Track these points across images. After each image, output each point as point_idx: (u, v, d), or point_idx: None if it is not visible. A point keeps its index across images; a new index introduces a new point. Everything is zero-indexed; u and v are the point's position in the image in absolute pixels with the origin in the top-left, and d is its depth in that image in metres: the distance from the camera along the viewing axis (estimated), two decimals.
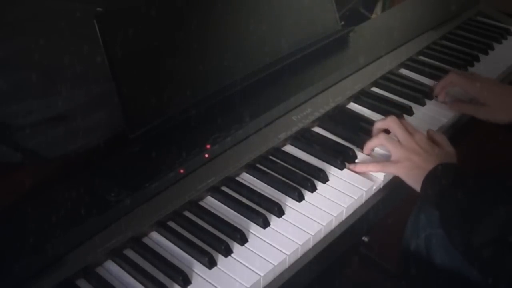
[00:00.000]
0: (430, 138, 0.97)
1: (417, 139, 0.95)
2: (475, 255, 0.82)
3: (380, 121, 1.00)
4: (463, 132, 1.13)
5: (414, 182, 0.91)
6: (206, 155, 0.92)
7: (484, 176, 0.88)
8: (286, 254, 0.80)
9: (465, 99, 1.13)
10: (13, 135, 0.90)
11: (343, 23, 1.24)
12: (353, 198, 0.90)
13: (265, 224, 0.85)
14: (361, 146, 1.00)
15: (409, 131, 0.96)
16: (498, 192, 0.84)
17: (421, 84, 1.20)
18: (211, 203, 0.89)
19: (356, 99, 1.14)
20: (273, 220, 0.86)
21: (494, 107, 1.07)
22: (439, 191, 0.87)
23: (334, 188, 0.92)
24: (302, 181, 0.92)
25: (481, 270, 0.85)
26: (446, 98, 1.13)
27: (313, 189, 0.91)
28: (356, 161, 0.97)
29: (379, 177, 0.94)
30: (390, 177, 0.96)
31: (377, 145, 0.98)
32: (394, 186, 0.96)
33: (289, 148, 1.01)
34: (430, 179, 0.89)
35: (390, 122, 0.98)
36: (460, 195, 0.84)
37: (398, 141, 0.96)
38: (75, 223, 0.78)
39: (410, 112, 1.10)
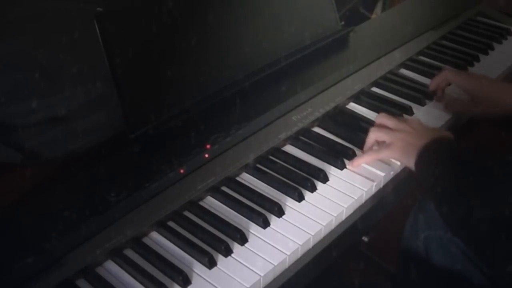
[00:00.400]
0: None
1: (409, 121, 0.96)
2: (472, 231, 0.81)
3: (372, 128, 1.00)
4: (463, 132, 1.13)
5: (408, 159, 0.91)
6: (206, 155, 0.92)
7: (479, 152, 0.88)
8: (286, 254, 0.80)
9: (461, 98, 1.13)
10: (13, 135, 0.90)
11: (343, 23, 1.24)
12: (353, 198, 0.90)
13: (265, 224, 0.85)
14: (361, 146, 1.00)
15: (400, 119, 0.98)
16: (495, 167, 0.84)
17: (421, 84, 1.20)
18: (211, 203, 0.89)
19: (356, 99, 1.14)
20: (273, 220, 0.86)
21: (489, 102, 1.07)
22: (434, 165, 0.87)
23: (334, 188, 0.92)
24: (302, 181, 0.92)
25: (476, 247, 0.84)
26: (442, 98, 1.13)
27: (313, 189, 0.91)
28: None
29: (379, 177, 0.94)
30: (390, 177, 0.96)
31: (373, 139, 0.97)
32: (394, 186, 0.96)
33: (289, 148, 1.01)
34: (424, 153, 0.89)
35: (380, 118, 0.99)
36: (455, 169, 0.84)
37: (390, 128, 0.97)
38: (75, 223, 0.78)
39: (410, 112, 1.10)
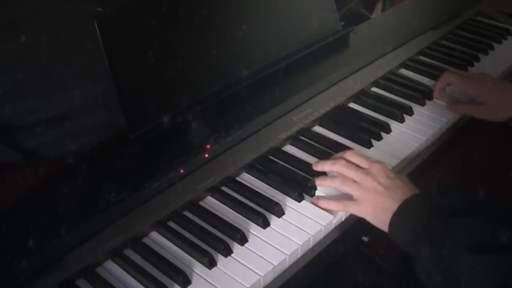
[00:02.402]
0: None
1: (374, 173, 0.88)
2: None
3: (326, 164, 0.93)
4: (463, 132, 1.13)
5: (381, 224, 0.85)
6: (206, 155, 0.92)
7: (459, 210, 0.80)
8: (286, 254, 0.80)
9: (463, 99, 1.13)
10: (13, 135, 0.90)
11: (343, 23, 1.24)
12: None
13: (265, 224, 0.85)
14: (362, 145, 1.00)
15: (364, 166, 0.90)
16: (479, 233, 0.76)
17: (421, 84, 1.20)
18: (211, 203, 0.89)
19: (356, 99, 1.14)
20: (273, 220, 0.86)
21: (492, 104, 1.06)
22: (411, 236, 0.80)
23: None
24: (302, 181, 0.92)
25: None
26: (445, 99, 1.13)
27: (313, 189, 0.91)
28: (318, 193, 0.91)
29: None
30: None
31: (331, 187, 0.91)
32: None
33: (289, 148, 1.01)
34: (398, 222, 0.83)
35: (339, 167, 0.91)
36: (438, 240, 0.77)
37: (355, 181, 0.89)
38: (75, 223, 0.78)
39: (410, 112, 1.10)
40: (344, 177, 0.90)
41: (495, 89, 1.08)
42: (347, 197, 0.89)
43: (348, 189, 0.89)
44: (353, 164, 0.91)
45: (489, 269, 0.72)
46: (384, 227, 0.84)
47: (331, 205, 0.88)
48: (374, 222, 0.86)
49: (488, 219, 0.77)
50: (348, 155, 0.92)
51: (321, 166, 0.93)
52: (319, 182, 0.92)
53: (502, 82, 1.14)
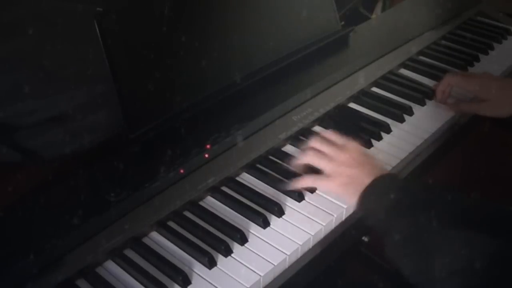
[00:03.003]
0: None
1: (349, 149, 0.88)
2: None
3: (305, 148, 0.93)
4: (463, 132, 1.13)
5: (351, 197, 0.84)
6: (206, 155, 0.92)
7: (431, 190, 0.81)
8: (286, 254, 0.80)
9: (465, 99, 1.13)
10: (13, 135, 0.90)
11: (343, 23, 1.24)
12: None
13: (265, 224, 0.84)
14: (362, 145, 1.00)
15: (339, 144, 0.90)
16: (451, 210, 0.76)
17: (421, 84, 1.20)
18: (211, 203, 0.89)
19: (356, 99, 1.14)
20: (273, 220, 0.86)
21: (496, 100, 1.06)
22: (384, 210, 0.79)
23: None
24: None
25: None
26: (448, 100, 1.13)
27: (313, 189, 0.91)
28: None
29: None
30: None
31: (304, 161, 0.91)
32: None
33: (289, 148, 1.01)
34: (371, 194, 0.82)
35: (314, 141, 0.91)
36: (409, 218, 0.76)
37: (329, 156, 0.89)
38: (75, 223, 0.78)
39: (410, 112, 1.10)
40: (317, 151, 0.89)
41: (498, 85, 1.08)
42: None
43: (321, 162, 0.88)
44: (329, 140, 0.90)
45: (462, 245, 0.71)
46: (353, 202, 0.84)
47: (302, 181, 0.88)
48: (344, 195, 0.85)
49: (463, 198, 0.78)
50: (325, 132, 0.93)
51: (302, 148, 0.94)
52: (293, 161, 0.92)
53: (504, 79, 1.15)
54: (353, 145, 0.89)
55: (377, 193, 0.82)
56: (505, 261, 0.68)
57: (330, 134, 0.92)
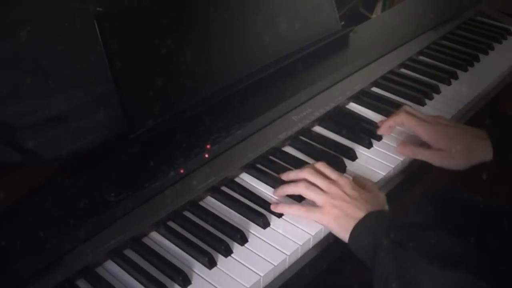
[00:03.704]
0: (357, 183, 0.89)
1: (341, 184, 0.86)
2: None
3: (292, 172, 0.91)
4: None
5: (342, 231, 0.82)
6: (206, 155, 0.92)
7: (423, 228, 0.79)
8: (286, 254, 0.80)
9: (415, 142, 1.00)
10: (13, 135, 0.90)
11: (343, 23, 1.24)
12: None
13: (265, 224, 0.84)
14: (362, 145, 1.00)
15: (331, 177, 0.88)
16: (438, 251, 0.74)
17: (422, 84, 1.20)
18: (211, 203, 0.89)
19: (356, 99, 1.14)
20: (273, 220, 0.86)
21: (450, 151, 0.95)
22: (371, 246, 0.78)
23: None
24: None
25: None
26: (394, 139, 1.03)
27: None
28: (277, 194, 0.89)
29: (375, 181, 0.94)
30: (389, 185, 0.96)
31: (294, 192, 0.88)
32: (393, 186, 0.96)
33: (289, 148, 1.01)
34: (360, 230, 0.81)
35: (306, 173, 0.89)
36: (399, 249, 0.75)
37: (321, 189, 0.87)
38: (75, 223, 0.78)
39: None
40: (309, 183, 0.88)
41: (454, 134, 0.96)
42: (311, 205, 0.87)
43: (313, 194, 0.86)
44: (321, 173, 0.89)
45: (448, 284, 0.70)
46: (345, 236, 0.82)
47: (293, 210, 0.86)
48: (336, 229, 0.83)
49: (452, 235, 0.76)
50: (317, 164, 0.91)
51: (286, 175, 0.91)
52: (280, 190, 0.89)
53: (461, 127, 1.00)
54: (345, 180, 0.88)
55: (367, 228, 0.80)
56: None
57: (322, 167, 0.90)
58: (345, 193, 0.85)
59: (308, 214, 0.85)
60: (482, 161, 0.94)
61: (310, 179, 0.88)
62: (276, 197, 0.90)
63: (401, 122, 1.00)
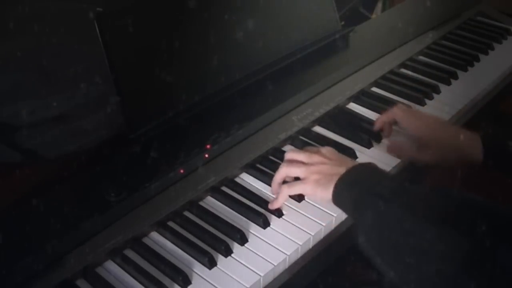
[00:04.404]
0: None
1: (323, 151, 0.86)
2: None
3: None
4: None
5: (322, 192, 0.81)
6: (206, 155, 0.92)
7: (405, 181, 0.77)
8: (286, 254, 0.80)
9: (407, 141, 1.00)
10: (13, 135, 0.90)
11: (343, 23, 1.24)
12: None
13: (265, 224, 0.84)
14: (362, 145, 1.00)
15: (313, 150, 0.88)
16: (425, 204, 0.72)
17: (422, 84, 1.20)
18: (211, 203, 0.89)
19: (356, 99, 1.14)
20: (273, 220, 0.86)
21: (440, 149, 0.94)
22: (353, 200, 0.76)
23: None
24: None
25: None
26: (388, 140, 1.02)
27: None
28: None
29: None
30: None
31: (281, 175, 0.88)
32: None
33: (289, 148, 1.01)
34: (343, 184, 0.78)
35: (289, 154, 0.89)
36: (382, 203, 0.72)
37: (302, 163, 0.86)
38: (75, 223, 0.78)
39: None
40: (290, 161, 0.88)
41: (445, 132, 0.96)
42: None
43: (294, 169, 0.86)
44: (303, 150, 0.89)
45: (433, 239, 0.67)
46: (327, 195, 0.80)
47: (281, 196, 0.86)
48: (320, 193, 0.82)
49: (436, 192, 0.74)
50: (291, 150, 0.91)
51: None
52: (273, 185, 0.89)
53: (452, 126, 1.01)
54: (327, 148, 0.87)
55: (350, 183, 0.78)
56: (475, 259, 0.65)
57: (306, 147, 0.90)
58: (328, 158, 0.84)
59: (292, 189, 0.85)
60: (473, 163, 0.93)
61: (291, 157, 0.88)
62: (274, 195, 0.89)
63: (393, 116, 1.00)
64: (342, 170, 0.80)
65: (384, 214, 0.72)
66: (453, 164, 0.95)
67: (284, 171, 0.88)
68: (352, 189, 0.78)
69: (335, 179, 0.80)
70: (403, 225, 0.69)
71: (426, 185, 0.75)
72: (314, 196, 0.85)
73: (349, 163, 0.83)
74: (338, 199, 0.80)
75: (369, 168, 0.81)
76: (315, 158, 0.85)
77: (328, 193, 0.80)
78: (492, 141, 0.93)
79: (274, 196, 0.90)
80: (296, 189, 0.85)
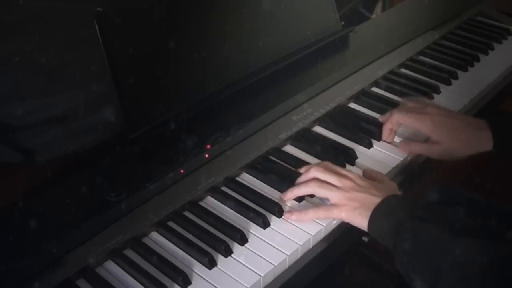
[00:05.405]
0: (367, 176, 0.91)
1: (351, 177, 0.87)
2: None
3: (303, 176, 0.90)
4: None
5: (361, 220, 0.82)
6: (206, 155, 0.92)
7: (445, 202, 0.79)
8: (286, 254, 0.80)
9: (415, 138, 1.02)
10: (13, 135, 0.90)
11: (343, 23, 1.24)
12: None
13: (265, 224, 0.84)
14: (362, 145, 1.00)
15: (341, 173, 0.88)
16: (463, 223, 0.74)
17: (422, 84, 1.20)
18: (211, 203, 0.89)
19: (356, 99, 1.14)
20: (273, 220, 0.86)
21: (450, 142, 0.96)
22: (392, 227, 0.78)
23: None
24: None
25: None
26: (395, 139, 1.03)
27: None
28: (288, 207, 0.88)
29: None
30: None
31: (307, 193, 0.88)
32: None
33: (289, 148, 1.01)
34: (380, 213, 0.81)
35: (315, 171, 0.88)
36: (419, 232, 0.75)
37: (332, 185, 0.86)
38: (75, 223, 0.78)
39: None
40: (320, 181, 0.87)
41: (452, 124, 0.97)
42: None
43: (326, 192, 0.86)
44: (329, 170, 0.88)
45: (471, 253, 0.69)
46: (365, 224, 0.82)
47: (309, 214, 0.85)
48: (356, 221, 0.83)
49: (469, 209, 0.76)
50: (323, 163, 0.91)
51: (297, 180, 0.90)
52: (289, 193, 0.88)
53: (459, 118, 1.00)
54: (354, 173, 0.88)
55: (386, 213, 0.81)
56: None
57: (329, 164, 0.90)
58: (358, 184, 0.85)
59: (327, 214, 0.85)
60: (482, 151, 0.95)
61: (320, 177, 0.88)
62: (284, 200, 0.89)
63: (397, 122, 1.01)
64: (377, 200, 0.82)
65: (423, 235, 0.74)
66: (464, 155, 0.97)
67: (313, 190, 0.87)
68: (387, 219, 0.80)
69: (371, 208, 0.82)
70: (443, 243, 0.71)
71: (460, 208, 0.77)
72: (351, 223, 0.85)
73: (380, 191, 0.84)
74: (374, 229, 0.82)
75: (401, 198, 0.84)
76: (347, 183, 0.86)
77: (365, 221, 0.82)
78: (499, 127, 0.94)
79: (283, 199, 0.89)
80: (331, 215, 0.85)
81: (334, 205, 0.85)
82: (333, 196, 0.85)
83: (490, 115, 1.23)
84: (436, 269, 0.71)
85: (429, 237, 0.74)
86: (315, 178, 0.88)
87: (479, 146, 0.95)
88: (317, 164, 0.91)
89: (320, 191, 0.87)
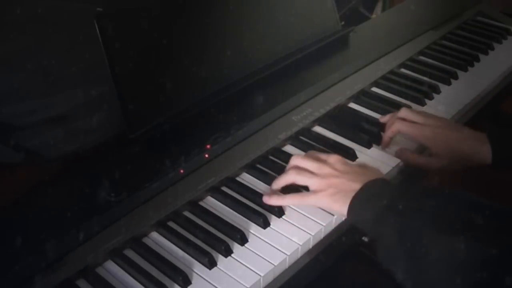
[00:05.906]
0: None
1: (331, 162, 0.86)
2: None
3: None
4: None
5: (339, 206, 0.81)
6: (206, 155, 0.92)
7: (427, 192, 0.78)
8: (286, 254, 0.80)
9: (411, 147, 1.01)
10: (13, 135, 0.90)
11: (343, 23, 1.24)
12: None
13: (265, 224, 0.84)
14: (362, 145, 1.00)
15: (321, 158, 0.87)
16: (445, 214, 0.73)
17: (422, 84, 1.20)
18: (211, 203, 0.89)
19: (356, 99, 1.14)
20: (273, 220, 0.86)
21: (450, 157, 0.94)
22: (372, 217, 0.77)
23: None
24: None
25: None
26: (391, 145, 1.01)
27: None
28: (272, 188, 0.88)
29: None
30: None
31: (287, 181, 0.87)
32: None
33: (289, 148, 1.01)
34: (359, 201, 0.79)
35: (295, 159, 0.88)
36: (401, 219, 0.73)
37: (312, 172, 0.86)
38: (75, 223, 0.78)
39: None
40: (299, 169, 0.87)
41: (453, 137, 0.95)
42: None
43: (304, 179, 0.85)
44: (310, 157, 0.88)
45: (455, 250, 0.68)
46: (344, 210, 0.81)
47: (286, 199, 0.85)
48: (334, 207, 0.83)
49: (455, 202, 0.75)
50: (307, 153, 0.91)
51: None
52: (273, 184, 0.88)
53: (458, 129, 0.98)
54: (335, 157, 0.87)
55: (366, 199, 0.79)
56: (498, 269, 0.65)
57: (311, 152, 0.90)
58: (336, 169, 0.84)
59: (303, 200, 0.85)
60: (481, 165, 0.94)
61: (300, 165, 0.88)
62: (272, 193, 0.89)
63: (398, 131, 0.99)
64: (356, 186, 0.81)
65: (403, 230, 0.73)
66: (462, 167, 0.96)
67: (292, 178, 0.87)
68: (367, 207, 0.78)
69: (350, 195, 0.80)
70: (425, 239, 0.70)
71: (439, 192, 0.76)
72: (329, 210, 0.85)
73: (360, 176, 0.83)
74: (354, 216, 0.81)
75: (380, 183, 0.81)
76: (326, 169, 0.85)
77: (344, 208, 0.81)
78: (500, 141, 0.93)
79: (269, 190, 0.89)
80: (310, 201, 0.85)
81: (312, 192, 0.85)
82: (311, 183, 0.85)
83: (491, 119, 1.23)
84: (420, 265, 0.70)
85: (410, 235, 0.72)
86: (295, 166, 0.88)
87: (478, 159, 0.94)
88: (300, 155, 0.90)
89: (299, 179, 0.86)
